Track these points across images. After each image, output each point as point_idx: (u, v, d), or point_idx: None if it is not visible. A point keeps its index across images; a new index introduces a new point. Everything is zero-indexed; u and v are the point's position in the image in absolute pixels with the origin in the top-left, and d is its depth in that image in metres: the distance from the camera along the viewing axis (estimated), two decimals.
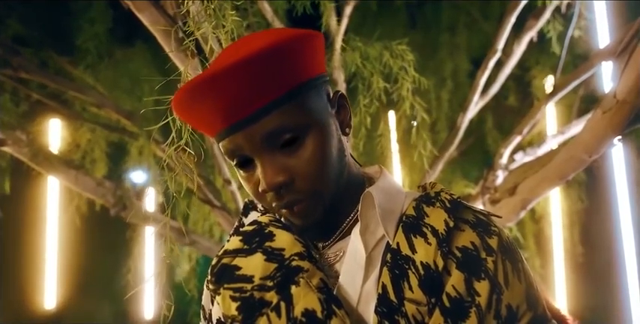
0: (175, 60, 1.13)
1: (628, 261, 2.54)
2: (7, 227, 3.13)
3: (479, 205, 2.28)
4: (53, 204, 3.11)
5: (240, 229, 0.70)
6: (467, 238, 0.62)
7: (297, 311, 0.59)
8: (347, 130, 0.69)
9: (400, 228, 0.64)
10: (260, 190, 0.63)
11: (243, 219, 0.77)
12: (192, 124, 0.68)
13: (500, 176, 2.35)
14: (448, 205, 0.65)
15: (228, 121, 0.60)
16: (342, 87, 2.40)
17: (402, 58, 1.97)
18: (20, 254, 3.24)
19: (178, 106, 0.63)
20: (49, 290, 3.19)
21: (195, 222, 3.42)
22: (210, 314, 0.72)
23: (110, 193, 2.29)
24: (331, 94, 0.68)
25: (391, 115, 3.05)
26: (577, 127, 2.22)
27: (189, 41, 0.90)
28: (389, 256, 0.63)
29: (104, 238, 3.40)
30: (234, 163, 0.65)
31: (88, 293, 3.48)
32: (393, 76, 2.01)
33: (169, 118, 0.89)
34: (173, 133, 0.90)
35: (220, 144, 0.64)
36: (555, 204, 3.33)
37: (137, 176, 3.20)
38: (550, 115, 2.93)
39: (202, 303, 0.75)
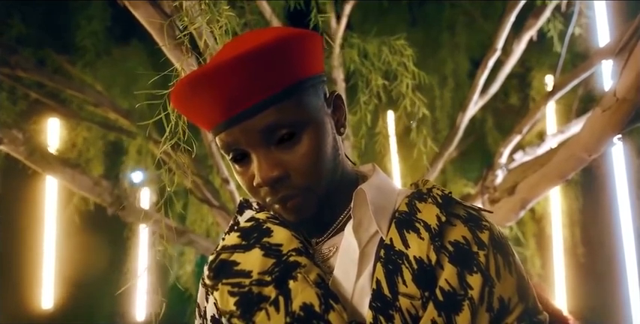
0: (170, 56, 1.12)
1: (628, 260, 2.53)
2: (3, 227, 3.12)
3: (478, 205, 2.27)
4: (51, 203, 3.10)
5: (238, 226, 0.70)
6: (459, 232, 0.63)
7: (296, 305, 0.60)
8: (342, 129, 0.70)
9: (393, 224, 0.65)
10: (254, 184, 0.63)
11: (238, 217, 0.77)
12: (189, 117, 0.68)
13: (500, 176, 2.34)
14: (440, 200, 0.66)
15: (226, 114, 0.61)
16: (341, 86, 2.39)
17: (400, 53, 1.96)
18: (17, 254, 3.23)
19: (177, 98, 0.63)
20: (47, 290, 3.18)
21: (193, 222, 3.42)
22: (205, 311, 0.72)
23: (107, 192, 2.27)
24: (328, 94, 0.69)
25: (390, 115, 3.04)
26: (577, 127, 2.21)
27: (183, 35, 0.90)
28: (382, 251, 0.63)
29: (102, 237, 3.39)
30: (230, 157, 0.65)
31: (85, 293, 3.47)
32: (392, 73, 2.00)
33: (162, 114, 0.88)
34: (167, 130, 0.89)
35: (217, 138, 0.64)
36: (555, 203, 3.32)
37: (135, 175, 3.20)
38: (550, 114, 2.92)
39: (197, 300, 0.75)
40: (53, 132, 2.98)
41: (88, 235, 3.36)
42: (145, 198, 3.28)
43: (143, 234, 3.23)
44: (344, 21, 2.38)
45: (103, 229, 3.09)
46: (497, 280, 0.61)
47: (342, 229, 0.68)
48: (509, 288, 0.62)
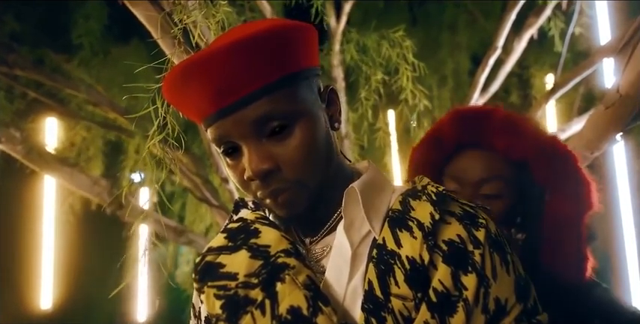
0: (169, 53, 1.11)
1: (630, 259, 2.52)
2: (1, 226, 3.10)
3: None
4: (49, 203, 3.08)
5: (226, 226, 0.68)
6: (453, 230, 0.61)
7: (283, 309, 0.57)
8: (336, 124, 0.68)
9: (386, 223, 0.63)
10: (245, 177, 0.62)
11: (234, 217, 0.75)
12: (181, 109, 0.67)
13: None
14: (434, 197, 0.64)
15: (218, 104, 0.59)
16: (340, 85, 2.38)
17: (400, 45, 1.96)
18: (16, 254, 3.22)
19: (168, 88, 0.62)
20: (45, 290, 3.17)
21: (192, 221, 3.41)
22: (200, 312, 0.70)
23: (106, 192, 2.26)
24: (322, 88, 0.67)
25: (391, 114, 3.03)
26: (578, 125, 2.20)
27: (177, 30, 0.89)
28: (375, 251, 0.61)
29: (100, 237, 3.38)
30: (221, 150, 0.64)
31: (84, 293, 3.46)
32: (393, 67, 2.00)
33: (151, 108, 0.87)
34: (155, 124, 0.88)
35: (208, 130, 0.63)
36: None
37: (134, 174, 3.18)
38: (550, 112, 2.90)
39: (192, 301, 0.74)
40: (51, 131, 2.96)
41: (87, 234, 3.34)
42: (144, 197, 3.27)
43: (142, 233, 3.22)
44: (344, 19, 2.37)
45: (102, 228, 3.08)
46: (493, 280, 0.59)
47: (335, 228, 0.66)
48: (506, 288, 0.60)
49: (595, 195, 0.91)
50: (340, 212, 0.66)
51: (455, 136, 0.96)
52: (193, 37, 0.95)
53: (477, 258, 0.59)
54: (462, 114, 0.98)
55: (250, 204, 0.74)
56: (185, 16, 0.89)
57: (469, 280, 0.58)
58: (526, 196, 0.94)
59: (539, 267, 0.90)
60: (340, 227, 0.64)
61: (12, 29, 2.78)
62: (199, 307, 0.71)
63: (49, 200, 3.10)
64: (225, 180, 2.55)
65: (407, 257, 0.59)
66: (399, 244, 0.61)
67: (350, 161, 0.75)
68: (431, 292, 0.58)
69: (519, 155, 0.91)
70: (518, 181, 0.93)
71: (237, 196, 2.56)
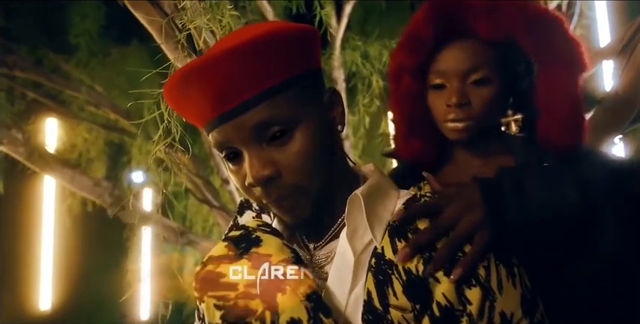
0: (171, 56, 1.11)
1: None
2: (2, 227, 3.11)
3: None
4: (49, 204, 3.08)
5: (226, 235, 0.67)
6: None
7: (283, 320, 0.57)
8: (340, 127, 0.66)
9: (386, 232, 0.62)
10: (246, 183, 0.61)
11: (238, 218, 0.75)
12: (182, 113, 0.66)
13: None
14: None
15: (218, 110, 0.59)
16: (341, 86, 2.38)
17: None
18: (15, 255, 3.22)
19: (169, 92, 0.62)
20: (45, 291, 3.16)
21: (195, 222, 3.41)
22: (204, 315, 0.70)
23: (107, 193, 2.26)
24: (324, 91, 0.66)
25: (390, 115, 3.04)
26: None
27: (182, 36, 0.89)
28: (373, 260, 0.61)
29: (101, 238, 3.37)
30: (223, 155, 0.63)
31: (84, 294, 3.46)
32: None
33: (157, 113, 0.87)
34: (160, 129, 0.89)
35: (210, 135, 0.62)
36: None
37: (135, 176, 3.18)
38: None
39: (197, 303, 0.74)
40: (51, 132, 2.96)
41: (87, 235, 3.34)
42: (147, 199, 3.27)
43: (144, 235, 3.22)
44: (344, 21, 2.37)
45: (102, 229, 3.08)
46: (498, 294, 0.57)
47: (339, 233, 0.65)
48: (512, 301, 0.58)
49: (587, 55, 0.87)
50: (344, 218, 0.65)
51: (433, 31, 0.90)
52: (197, 42, 0.95)
53: (481, 271, 0.58)
54: (436, 3, 0.91)
55: (255, 205, 0.74)
56: (188, 21, 0.89)
57: (473, 294, 0.57)
58: (515, 74, 0.91)
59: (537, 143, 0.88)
60: (343, 234, 0.63)
61: (10, 29, 2.76)
62: (204, 310, 0.71)
63: (49, 201, 3.10)
64: (226, 181, 2.55)
65: (404, 268, 0.58)
66: (396, 254, 0.60)
67: (354, 163, 0.74)
68: (434, 306, 0.57)
69: (504, 35, 0.87)
70: (505, 61, 0.90)
71: (237, 196, 2.56)
